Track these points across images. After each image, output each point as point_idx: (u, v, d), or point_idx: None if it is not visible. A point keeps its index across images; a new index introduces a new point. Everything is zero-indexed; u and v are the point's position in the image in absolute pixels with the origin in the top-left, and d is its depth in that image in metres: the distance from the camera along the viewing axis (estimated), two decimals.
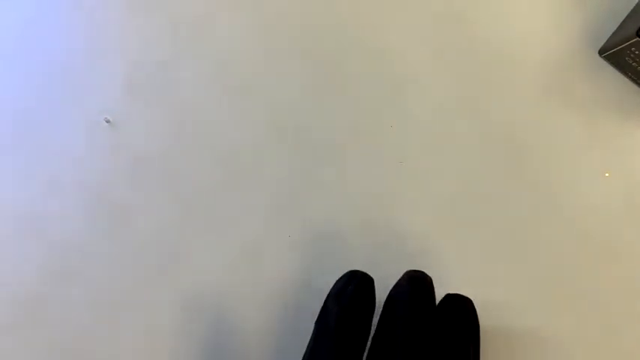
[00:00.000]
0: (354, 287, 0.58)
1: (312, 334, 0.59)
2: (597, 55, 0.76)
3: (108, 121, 0.78)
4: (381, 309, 0.61)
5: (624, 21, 0.74)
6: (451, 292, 0.61)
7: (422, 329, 0.53)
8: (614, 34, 0.74)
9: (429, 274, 0.60)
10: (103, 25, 0.81)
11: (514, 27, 0.78)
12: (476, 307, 0.59)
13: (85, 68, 0.80)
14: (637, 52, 0.67)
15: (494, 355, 0.71)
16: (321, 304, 0.60)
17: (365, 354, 0.57)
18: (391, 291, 0.60)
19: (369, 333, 0.59)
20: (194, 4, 0.81)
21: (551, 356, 0.72)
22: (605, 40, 0.75)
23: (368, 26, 0.79)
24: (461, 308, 0.58)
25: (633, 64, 0.70)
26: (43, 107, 0.79)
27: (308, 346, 0.58)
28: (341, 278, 0.62)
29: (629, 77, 0.74)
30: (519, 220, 0.74)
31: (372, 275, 0.60)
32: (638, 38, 0.64)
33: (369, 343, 0.58)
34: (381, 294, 0.73)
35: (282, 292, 0.75)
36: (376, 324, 0.59)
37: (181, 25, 0.80)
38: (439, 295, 0.60)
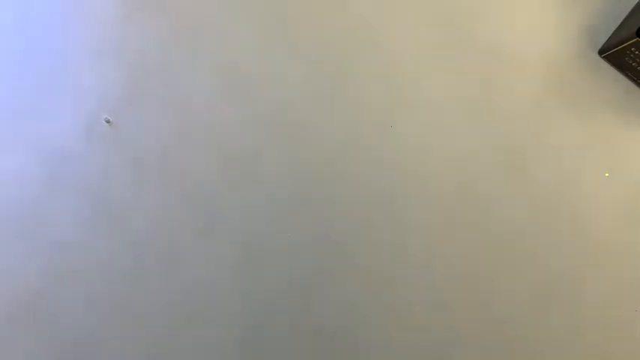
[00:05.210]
0: None
1: None
2: (597, 55, 0.76)
3: (108, 121, 0.78)
4: None
5: (624, 21, 0.74)
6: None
7: None
8: (614, 34, 0.74)
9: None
10: (103, 26, 0.81)
11: (514, 28, 0.78)
12: None
13: (85, 69, 0.80)
14: (637, 52, 0.67)
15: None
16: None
17: None
18: None
19: None
20: (194, 5, 0.81)
21: (553, 354, 0.73)
22: (605, 40, 0.75)
23: (368, 26, 0.79)
24: None
25: (633, 64, 0.70)
26: (43, 107, 0.79)
27: None
28: None
29: (629, 77, 0.74)
30: (519, 219, 0.74)
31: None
32: (638, 38, 0.64)
33: None
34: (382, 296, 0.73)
35: (283, 292, 0.75)
36: None
37: (181, 26, 0.80)
38: None
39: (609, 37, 0.75)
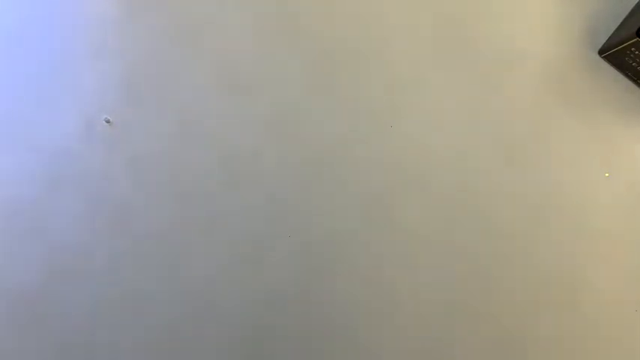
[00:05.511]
0: None
1: None
2: (597, 55, 0.76)
3: (108, 121, 0.78)
4: None
5: (624, 21, 0.74)
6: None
7: None
8: (614, 34, 0.74)
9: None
10: (103, 26, 0.81)
11: (514, 28, 0.78)
12: None
13: (85, 69, 0.80)
14: (637, 52, 0.67)
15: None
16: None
17: None
18: None
19: None
20: (194, 5, 0.81)
21: (553, 354, 0.72)
22: (605, 40, 0.75)
23: (368, 26, 0.79)
24: None
25: (633, 64, 0.70)
26: (43, 107, 0.79)
27: None
28: None
29: (629, 77, 0.74)
30: (519, 219, 0.74)
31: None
32: (638, 38, 0.64)
33: None
34: (383, 295, 0.73)
35: (282, 292, 0.75)
36: None
37: (181, 26, 0.80)
38: None
39: (609, 37, 0.75)
